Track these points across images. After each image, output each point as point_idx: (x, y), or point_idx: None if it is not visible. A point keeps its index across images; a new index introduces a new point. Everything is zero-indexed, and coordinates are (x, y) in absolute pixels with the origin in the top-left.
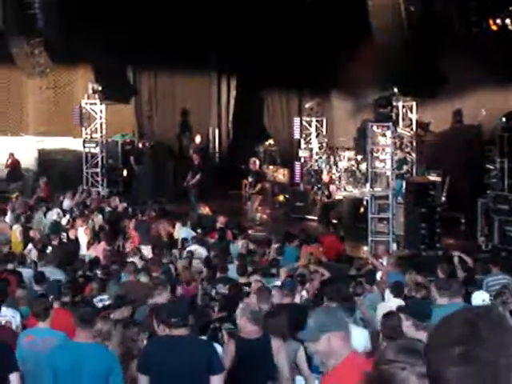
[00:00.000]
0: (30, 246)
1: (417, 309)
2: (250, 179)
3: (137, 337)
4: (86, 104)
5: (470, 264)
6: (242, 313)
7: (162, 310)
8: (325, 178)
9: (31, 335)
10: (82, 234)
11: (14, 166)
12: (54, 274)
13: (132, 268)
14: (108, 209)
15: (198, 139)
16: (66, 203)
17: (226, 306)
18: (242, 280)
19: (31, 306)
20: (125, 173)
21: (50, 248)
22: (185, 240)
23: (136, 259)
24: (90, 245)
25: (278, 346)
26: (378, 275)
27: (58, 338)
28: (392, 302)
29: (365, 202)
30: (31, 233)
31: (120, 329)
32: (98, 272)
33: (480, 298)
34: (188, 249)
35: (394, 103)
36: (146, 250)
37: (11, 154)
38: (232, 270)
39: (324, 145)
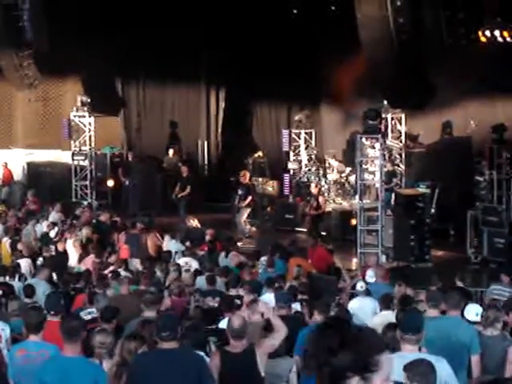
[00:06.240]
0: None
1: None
2: (240, 192)
3: (135, 350)
4: (75, 116)
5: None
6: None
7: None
8: (313, 189)
9: (23, 349)
10: (71, 247)
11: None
12: (38, 285)
13: (126, 280)
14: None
15: (171, 152)
16: (54, 215)
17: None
18: (232, 292)
19: (24, 318)
20: (110, 183)
21: (40, 260)
22: (171, 252)
23: (121, 271)
24: (81, 258)
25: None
26: (358, 285)
27: (51, 350)
28: (382, 315)
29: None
30: (19, 245)
31: (122, 340)
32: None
33: (473, 311)
34: (178, 261)
35: (383, 115)
36: (137, 263)
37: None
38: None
39: (313, 157)
